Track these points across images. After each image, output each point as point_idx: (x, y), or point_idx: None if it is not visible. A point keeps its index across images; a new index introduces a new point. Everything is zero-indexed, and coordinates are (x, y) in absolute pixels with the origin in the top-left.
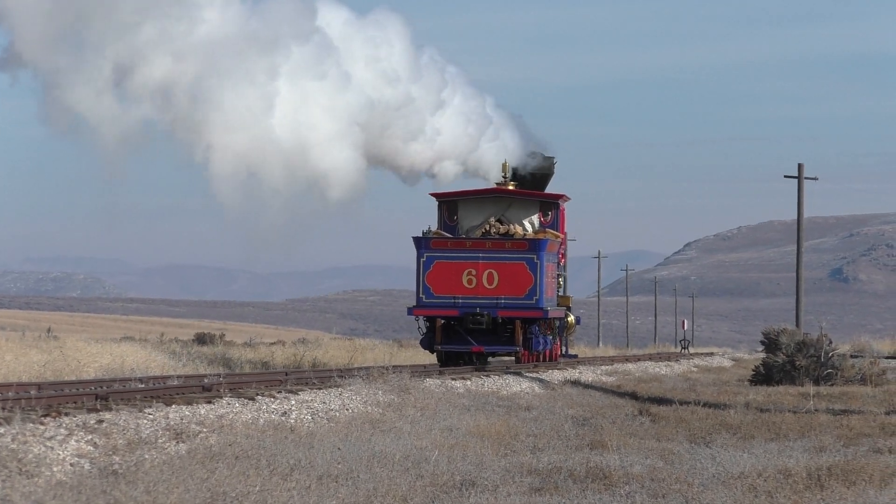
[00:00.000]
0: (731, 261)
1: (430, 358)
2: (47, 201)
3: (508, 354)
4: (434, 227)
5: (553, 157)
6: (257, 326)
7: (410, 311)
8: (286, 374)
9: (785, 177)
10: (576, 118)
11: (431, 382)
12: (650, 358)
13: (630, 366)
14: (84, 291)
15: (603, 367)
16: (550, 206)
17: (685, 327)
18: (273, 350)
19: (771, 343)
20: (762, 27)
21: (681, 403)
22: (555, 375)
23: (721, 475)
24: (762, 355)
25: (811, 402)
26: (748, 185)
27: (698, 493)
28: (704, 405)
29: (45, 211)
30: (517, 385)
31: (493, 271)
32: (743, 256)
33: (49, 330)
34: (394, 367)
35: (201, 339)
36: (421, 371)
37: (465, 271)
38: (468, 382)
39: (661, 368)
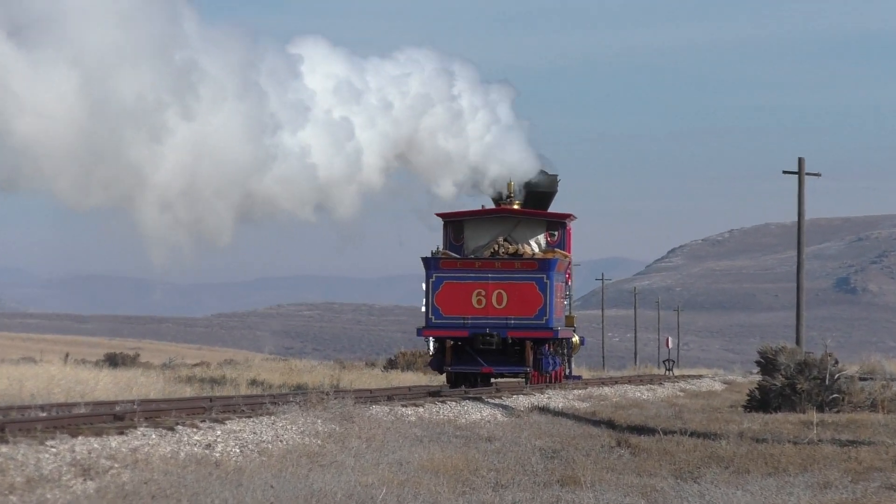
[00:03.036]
0: (723, 269)
1: (378, 381)
2: None
3: (517, 375)
4: (441, 247)
5: (557, 175)
6: (178, 345)
7: (420, 331)
8: (210, 401)
9: (783, 172)
10: (543, 105)
11: (379, 410)
12: (629, 381)
13: (606, 389)
14: None
15: (575, 392)
16: (557, 225)
17: (670, 345)
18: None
19: (768, 363)
20: (758, 2)
21: (665, 433)
22: (520, 402)
23: None
24: (758, 378)
25: (814, 432)
26: (741, 183)
27: None
28: (692, 435)
29: None
30: (477, 412)
31: (503, 291)
32: (736, 264)
33: None
34: (335, 391)
35: (112, 360)
36: (366, 396)
37: (475, 292)
38: (421, 409)
39: (642, 393)
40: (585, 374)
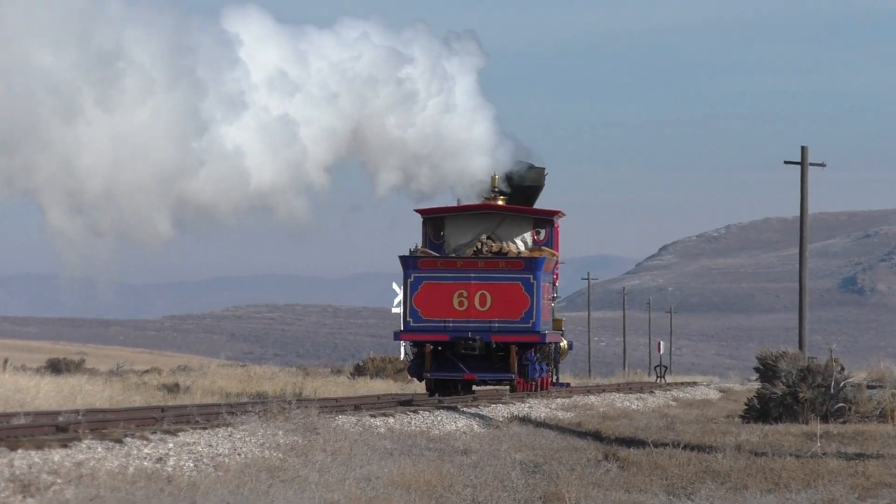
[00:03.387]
0: (719, 267)
1: (345, 389)
2: None
3: (502, 382)
4: (419, 245)
5: (544, 168)
6: (126, 350)
7: (397, 335)
8: (162, 411)
9: (785, 163)
10: (522, 90)
11: (345, 420)
12: (618, 389)
13: (593, 398)
14: None
15: (559, 401)
16: (544, 222)
17: (661, 350)
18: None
19: (768, 370)
20: None
21: (656, 446)
22: (499, 411)
23: None
24: (757, 385)
25: (818, 444)
26: (740, 175)
27: None
28: (685, 448)
29: None
30: (452, 423)
31: (486, 293)
32: (733, 262)
33: None
34: (298, 400)
35: (55, 366)
36: (332, 406)
37: (456, 293)
38: (391, 420)
39: (631, 402)
40: (570, 382)
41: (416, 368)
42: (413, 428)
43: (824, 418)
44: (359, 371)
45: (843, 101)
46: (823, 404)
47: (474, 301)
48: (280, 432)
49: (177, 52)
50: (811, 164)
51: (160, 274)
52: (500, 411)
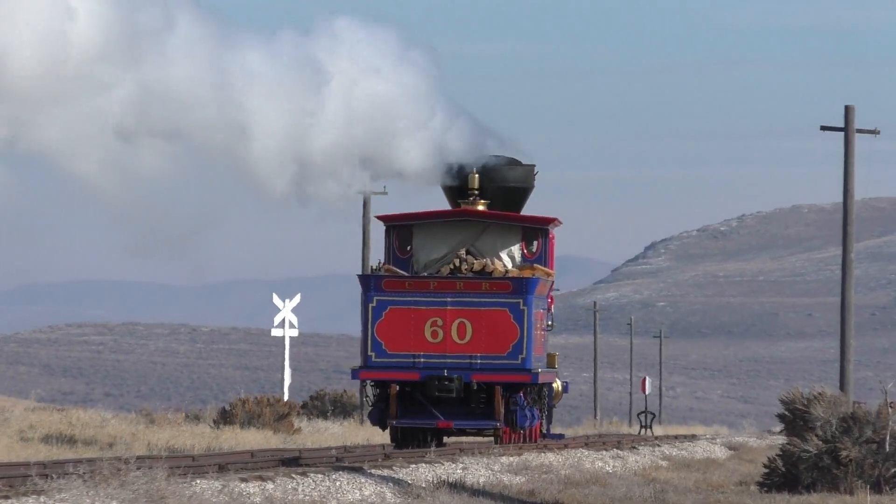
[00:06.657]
0: (728, 274)
1: (206, 442)
2: None
3: (484, 432)
4: (383, 261)
5: (534, 166)
6: None
7: (355, 373)
8: None
9: (822, 129)
10: (469, 35)
11: (206, 486)
12: (586, 443)
13: (551, 456)
14: None
15: (504, 459)
16: (536, 232)
17: (647, 390)
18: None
19: (797, 419)
20: None
21: None
22: (421, 473)
23: None
24: (781, 440)
25: None
26: (758, 144)
27: None
28: None
29: None
30: (356, 490)
31: (466, 321)
32: (748, 267)
33: None
34: (139, 458)
35: None
36: (187, 465)
37: (429, 321)
38: (270, 486)
39: (605, 461)
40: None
41: (378, 414)
42: (301, 497)
43: (876, 486)
44: (225, 418)
45: None
46: (875, 467)
47: (451, 332)
48: (113, 503)
49: None
50: (859, 131)
51: None
52: (422, 474)
